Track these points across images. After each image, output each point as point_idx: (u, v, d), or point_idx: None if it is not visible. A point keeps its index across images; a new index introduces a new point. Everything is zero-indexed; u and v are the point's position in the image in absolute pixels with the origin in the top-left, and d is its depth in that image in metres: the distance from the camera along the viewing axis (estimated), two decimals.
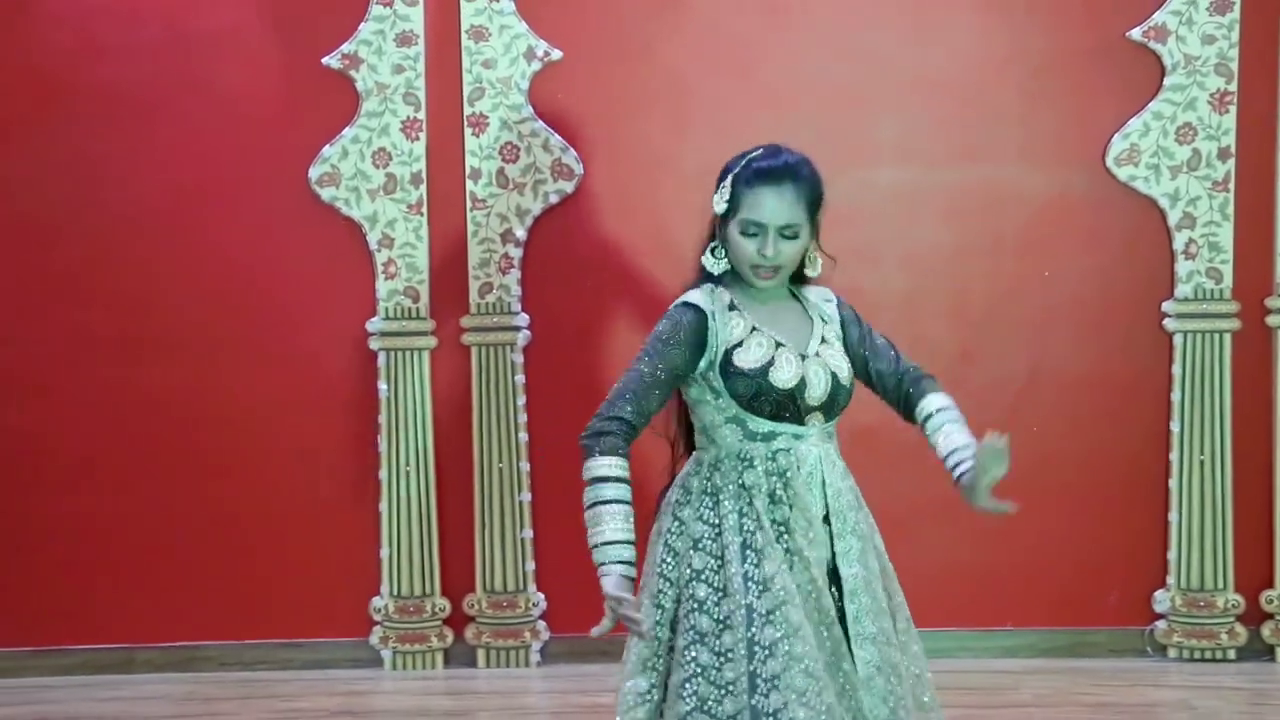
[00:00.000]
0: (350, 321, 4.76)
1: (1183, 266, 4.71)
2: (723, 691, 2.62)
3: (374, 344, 4.75)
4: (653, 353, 2.72)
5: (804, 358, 2.74)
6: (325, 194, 4.72)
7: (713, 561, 2.69)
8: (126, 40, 4.71)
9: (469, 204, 4.74)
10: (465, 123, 4.72)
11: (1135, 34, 4.66)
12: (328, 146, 4.70)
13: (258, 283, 4.76)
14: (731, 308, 2.77)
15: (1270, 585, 4.76)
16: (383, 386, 4.76)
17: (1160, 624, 4.80)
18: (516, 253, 4.74)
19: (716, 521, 2.71)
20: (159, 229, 4.74)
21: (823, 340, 2.80)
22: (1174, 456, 4.74)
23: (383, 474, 4.77)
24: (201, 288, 4.76)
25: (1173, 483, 4.75)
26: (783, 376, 2.72)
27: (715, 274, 2.81)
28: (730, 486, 2.72)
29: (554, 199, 4.75)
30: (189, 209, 4.74)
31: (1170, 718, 4.34)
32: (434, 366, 4.77)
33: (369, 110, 4.70)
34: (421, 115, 4.72)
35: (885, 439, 4.74)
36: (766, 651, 2.62)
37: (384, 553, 4.80)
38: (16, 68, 4.72)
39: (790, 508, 2.70)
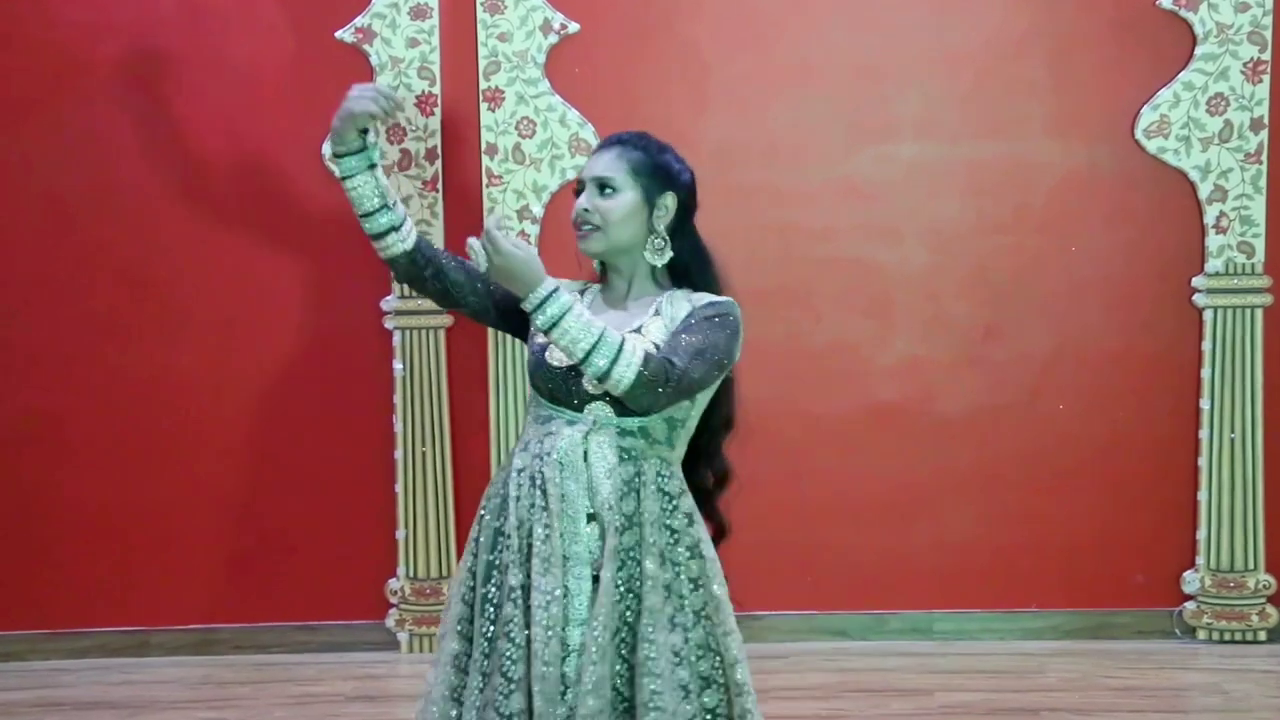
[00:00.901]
0: (365, 299, 4.70)
1: (1213, 241, 4.62)
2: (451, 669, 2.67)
3: (389, 322, 4.70)
4: None
5: None
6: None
7: (474, 545, 2.71)
8: (137, 16, 4.65)
9: (485, 180, 4.67)
10: (481, 97, 4.65)
11: (1166, 2, 4.56)
12: None
13: (271, 261, 4.70)
14: (582, 293, 2.81)
15: None
16: (398, 365, 4.70)
17: (1189, 605, 4.72)
18: (533, 230, 4.67)
19: (485, 505, 2.73)
20: (171, 207, 4.68)
21: (637, 330, 2.66)
22: (1204, 434, 4.66)
23: (398, 454, 4.72)
24: (214, 266, 4.70)
25: (1202, 461, 4.67)
26: (558, 355, 2.66)
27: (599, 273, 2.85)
28: (506, 471, 2.72)
29: (571, 175, 4.66)
30: (200, 186, 4.68)
31: (1200, 702, 4.27)
32: (450, 345, 4.71)
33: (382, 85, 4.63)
34: (436, 90, 4.65)
35: (908, 416, 4.78)
36: (487, 642, 2.63)
37: (400, 534, 4.75)
38: (27, 45, 4.66)
39: (543, 493, 2.62)
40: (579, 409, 2.66)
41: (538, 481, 2.62)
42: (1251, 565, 4.68)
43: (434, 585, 4.75)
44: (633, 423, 2.65)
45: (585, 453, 2.63)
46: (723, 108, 4.70)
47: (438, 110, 4.65)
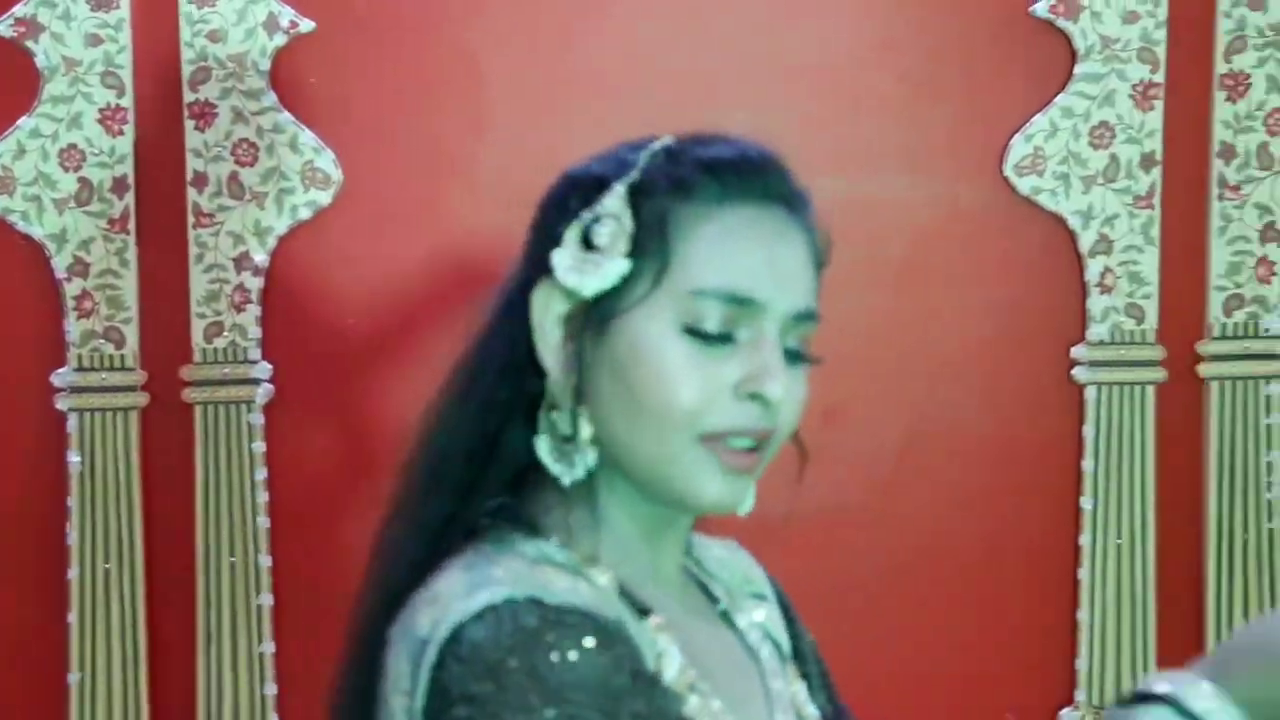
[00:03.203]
0: (30, 373, 3.78)
1: (1096, 303, 3.94)
2: None
3: (62, 402, 3.75)
4: None
5: None
6: None
7: None
8: None
9: (191, 219, 3.79)
10: (186, 113, 3.76)
11: (1041, 9, 3.86)
12: None
13: None
14: (644, 613, 1.38)
15: None
16: (74, 458, 3.76)
17: None
18: (255, 283, 3.81)
19: None
20: None
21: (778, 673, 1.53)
22: (1085, 540, 3.96)
23: (72, 574, 3.75)
24: None
25: (1082, 573, 3.97)
26: None
27: (566, 483, 1.43)
28: None
29: (305, 214, 3.83)
30: None
31: None
32: (144, 431, 3.80)
33: (54, 94, 3.70)
34: (126, 102, 3.74)
35: (727, 520, 4.02)
36: None
37: (72, 679, 3.77)
38: None
39: None
40: None
41: None
42: None
43: None
44: None
45: None
46: (506, 127, 3.91)
47: (128, 129, 3.73)
